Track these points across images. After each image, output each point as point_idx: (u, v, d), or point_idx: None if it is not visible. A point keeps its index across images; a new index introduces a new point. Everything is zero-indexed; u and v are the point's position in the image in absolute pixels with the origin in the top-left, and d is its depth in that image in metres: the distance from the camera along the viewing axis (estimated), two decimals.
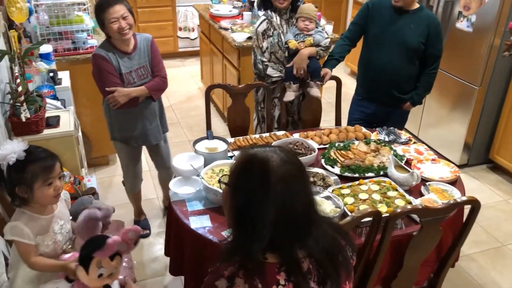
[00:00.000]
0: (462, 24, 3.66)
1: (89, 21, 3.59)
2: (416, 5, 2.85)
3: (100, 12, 2.54)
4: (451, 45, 3.77)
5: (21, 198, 1.66)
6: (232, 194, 1.19)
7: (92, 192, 2.49)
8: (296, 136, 2.76)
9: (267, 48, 2.98)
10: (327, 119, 3.93)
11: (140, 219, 3.20)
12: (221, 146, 2.53)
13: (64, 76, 3.19)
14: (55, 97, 2.93)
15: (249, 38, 3.86)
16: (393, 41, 2.86)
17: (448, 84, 3.87)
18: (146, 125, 2.82)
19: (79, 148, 2.84)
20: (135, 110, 2.73)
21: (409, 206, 1.96)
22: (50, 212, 1.76)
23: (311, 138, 2.72)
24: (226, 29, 4.13)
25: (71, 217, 1.90)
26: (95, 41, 3.55)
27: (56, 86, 3.00)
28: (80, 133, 3.04)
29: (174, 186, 2.27)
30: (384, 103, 3.05)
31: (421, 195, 2.25)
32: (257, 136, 2.78)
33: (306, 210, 1.19)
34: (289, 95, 2.98)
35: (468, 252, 3.03)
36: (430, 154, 2.63)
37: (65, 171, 2.50)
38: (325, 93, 4.47)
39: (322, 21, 4.07)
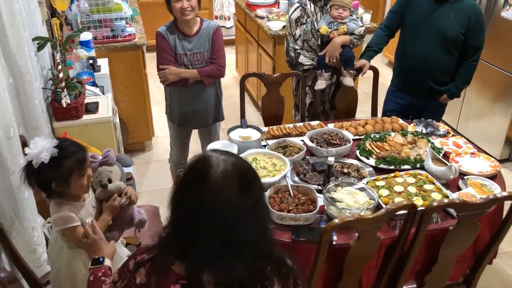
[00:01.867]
0: (507, 13, 3.51)
1: (128, 9, 3.64)
2: None
3: None
4: (495, 35, 3.62)
5: (57, 192, 1.69)
6: (174, 186, 1.17)
7: (129, 177, 2.55)
8: (331, 126, 2.74)
9: (300, 35, 2.95)
10: (363, 110, 3.86)
11: None
12: (255, 135, 2.54)
13: (103, 64, 3.26)
14: (94, 84, 3.00)
15: (285, 26, 3.83)
16: (430, 30, 2.78)
17: (491, 75, 3.73)
18: (194, 111, 2.91)
19: (116, 134, 2.91)
20: (187, 94, 2.83)
21: (445, 200, 1.92)
22: (87, 198, 1.80)
23: (346, 129, 2.68)
24: (262, 17, 4.11)
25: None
26: (133, 29, 3.61)
27: (95, 73, 3.07)
28: (117, 119, 3.11)
29: None
30: (420, 95, 2.97)
31: (459, 189, 2.19)
32: (290, 125, 2.76)
33: (229, 232, 1.09)
34: (320, 84, 2.95)
35: (507, 250, 2.94)
36: (469, 148, 2.55)
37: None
38: (361, 83, 4.40)
39: (360, 10, 4.00)
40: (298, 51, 2.96)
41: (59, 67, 2.49)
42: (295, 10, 2.95)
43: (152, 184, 3.52)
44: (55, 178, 1.65)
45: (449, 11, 2.74)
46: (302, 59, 2.96)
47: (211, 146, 2.43)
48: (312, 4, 2.93)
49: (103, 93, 3.00)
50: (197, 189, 1.09)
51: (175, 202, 1.14)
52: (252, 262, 1.13)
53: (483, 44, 2.83)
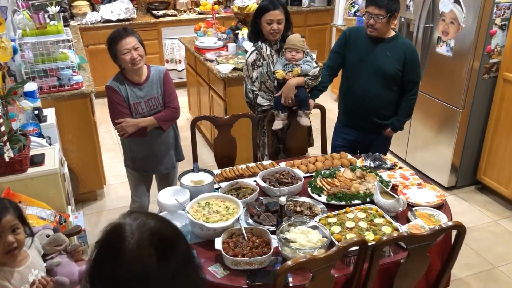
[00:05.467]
0: (442, 49, 3.74)
1: (74, 58, 3.61)
2: (392, 33, 2.92)
3: (113, 44, 2.65)
4: (433, 69, 3.84)
5: None
6: (88, 260, 1.08)
7: (78, 230, 2.45)
8: (282, 165, 2.77)
9: (257, 77, 3.02)
10: (314, 146, 3.94)
11: None
12: (207, 178, 2.52)
13: (50, 113, 3.18)
14: (40, 135, 2.92)
15: (234, 69, 3.91)
16: (370, 68, 2.91)
17: (433, 107, 3.92)
18: (157, 155, 2.90)
19: (65, 185, 2.81)
20: (147, 139, 2.81)
21: (395, 234, 1.96)
22: (24, 263, 1.71)
23: (297, 167, 2.72)
24: (211, 60, 4.18)
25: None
26: (81, 77, 3.57)
27: (41, 124, 2.98)
28: (66, 170, 3.02)
29: None
30: (365, 130, 3.08)
31: (408, 221, 2.25)
32: (243, 166, 2.78)
33: None
34: (277, 124, 3.01)
35: (460, 276, 3.01)
36: (415, 179, 2.64)
37: (49, 209, 2.47)
38: (312, 120, 4.49)
39: None
40: (256, 92, 3.03)
41: (1, 120, 2.41)
42: (251, 53, 3.04)
43: None
44: None
45: (386, 50, 2.89)
46: (260, 100, 3.03)
47: (162, 193, 2.40)
48: (268, 47, 3.02)
49: (50, 144, 2.91)
50: (112, 264, 1.01)
51: (91, 280, 1.04)
52: None
53: (419, 79, 2.99)
